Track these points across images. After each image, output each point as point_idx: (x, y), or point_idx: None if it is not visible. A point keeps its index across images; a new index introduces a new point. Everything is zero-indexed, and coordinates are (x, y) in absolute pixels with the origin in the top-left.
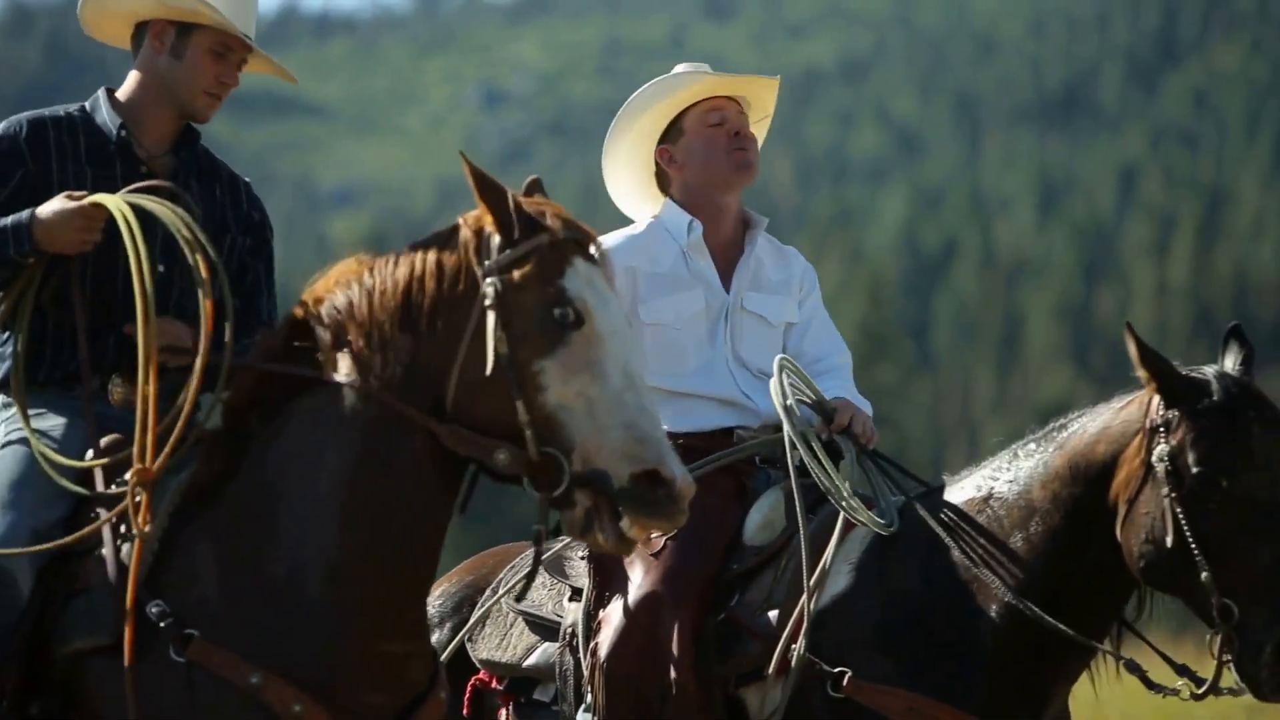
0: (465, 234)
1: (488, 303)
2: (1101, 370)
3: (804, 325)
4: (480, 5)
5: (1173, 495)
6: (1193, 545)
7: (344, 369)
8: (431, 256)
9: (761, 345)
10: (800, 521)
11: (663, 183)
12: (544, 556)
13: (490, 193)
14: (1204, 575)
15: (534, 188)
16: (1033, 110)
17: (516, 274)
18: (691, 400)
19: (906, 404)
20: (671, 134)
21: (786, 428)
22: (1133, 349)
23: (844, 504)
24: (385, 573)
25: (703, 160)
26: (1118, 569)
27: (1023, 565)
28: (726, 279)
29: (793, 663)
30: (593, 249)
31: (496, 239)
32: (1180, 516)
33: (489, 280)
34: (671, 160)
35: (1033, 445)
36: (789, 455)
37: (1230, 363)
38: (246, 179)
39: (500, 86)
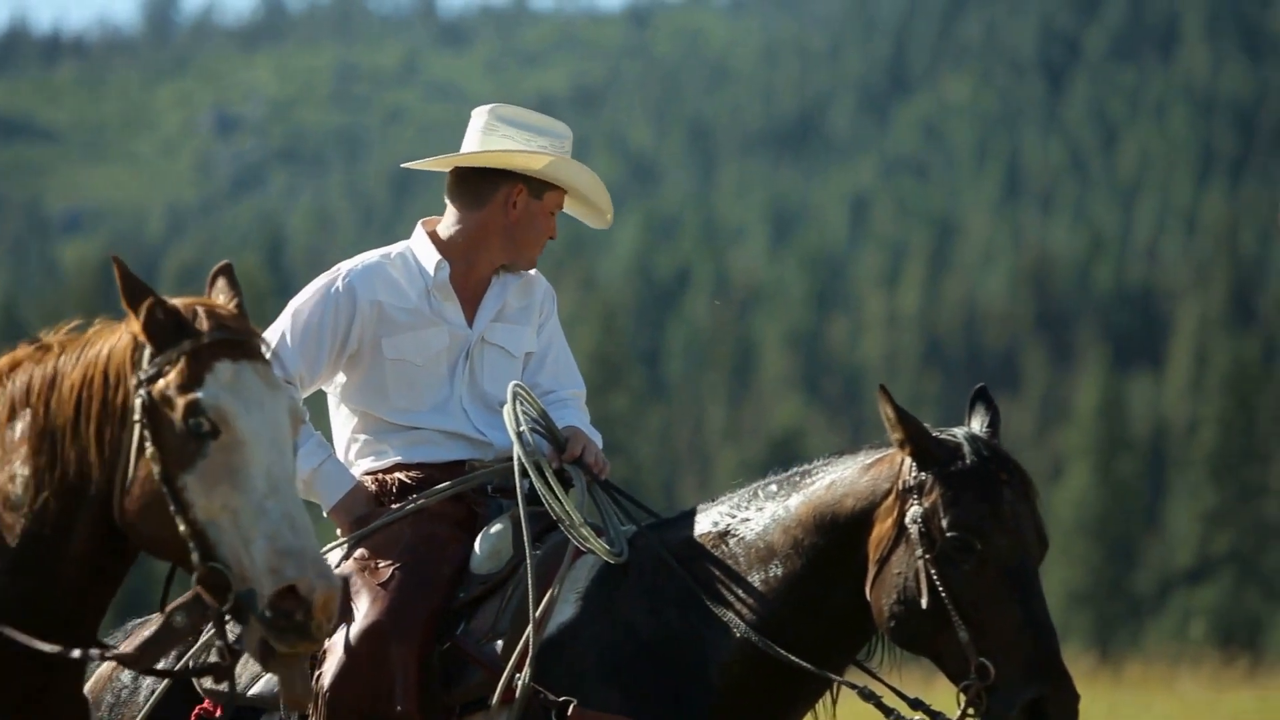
0: (124, 339)
1: (136, 417)
2: (832, 398)
3: (540, 355)
4: (213, 30)
5: (927, 557)
6: (949, 606)
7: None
8: (104, 355)
9: (504, 377)
10: (527, 550)
11: (462, 193)
12: None
13: (135, 298)
14: (962, 635)
15: (219, 274)
16: (766, 139)
17: (160, 384)
18: (426, 433)
19: (639, 431)
20: (534, 186)
21: (517, 453)
22: (889, 411)
23: (574, 531)
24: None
25: (527, 236)
26: (858, 618)
27: (758, 601)
28: (472, 314)
29: (517, 692)
30: (257, 344)
31: (149, 347)
32: (935, 578)
33: (139, 392)
34: (513, 205)
35: (774, 487)
36: (518, 483)
37: (978, 424)
38: None
39: (233, 112)
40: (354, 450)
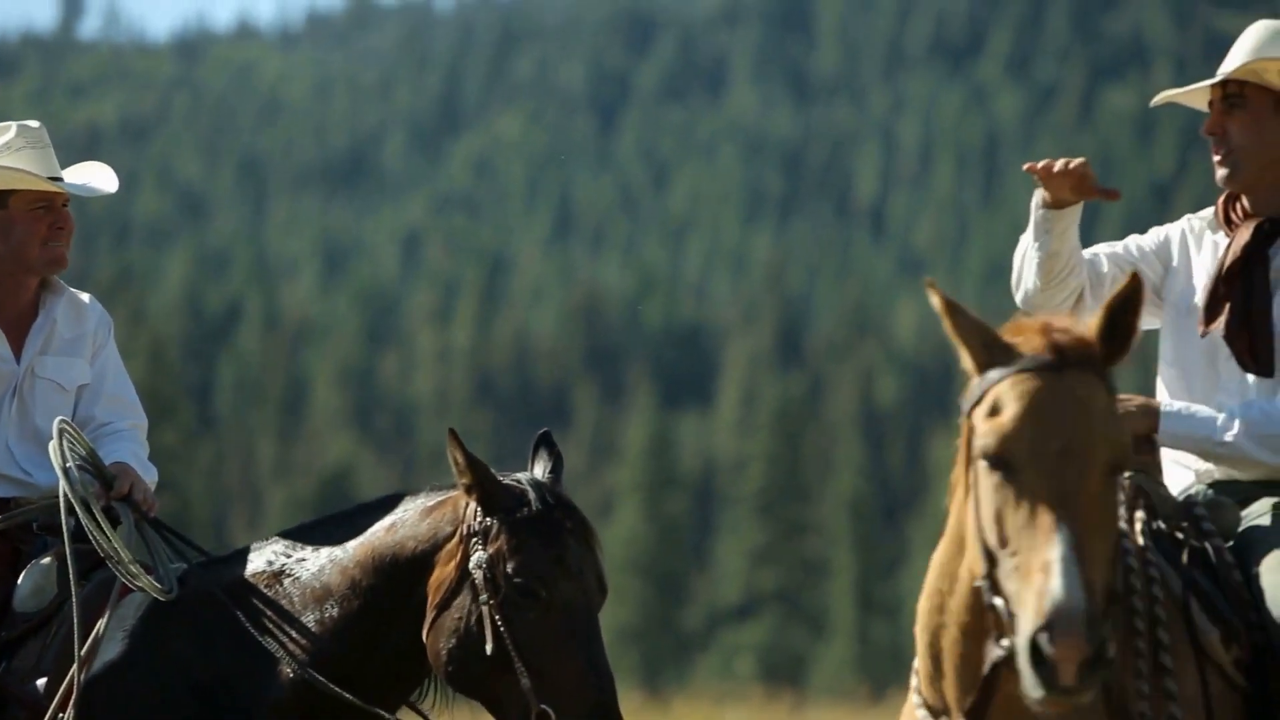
0: None
1: None
2: (383, 435)
3: (96, 386)
4: None
5: (491, 603)
6: (512, 652)
7: None
8: None
9: (58, 412)
10: (72, 586)
11: None
12: None
13: None
14: (524, 682)
15: None
16: (317, 174)
17: None
18: None
19: (189, 467)
20: None
21: (63, 489)
22: (459, 456)
23: (122, 568)
24: None
25: (19, 243)
26: (414, 659)
27: (311, 640)
28: (19, 346)
29: None
30: None
31: None
32: (499, 624)
33: None
34: None
35: (332, 527)
36: (64, 520)
37: (540, 470)
38: None
39: None
40: None
